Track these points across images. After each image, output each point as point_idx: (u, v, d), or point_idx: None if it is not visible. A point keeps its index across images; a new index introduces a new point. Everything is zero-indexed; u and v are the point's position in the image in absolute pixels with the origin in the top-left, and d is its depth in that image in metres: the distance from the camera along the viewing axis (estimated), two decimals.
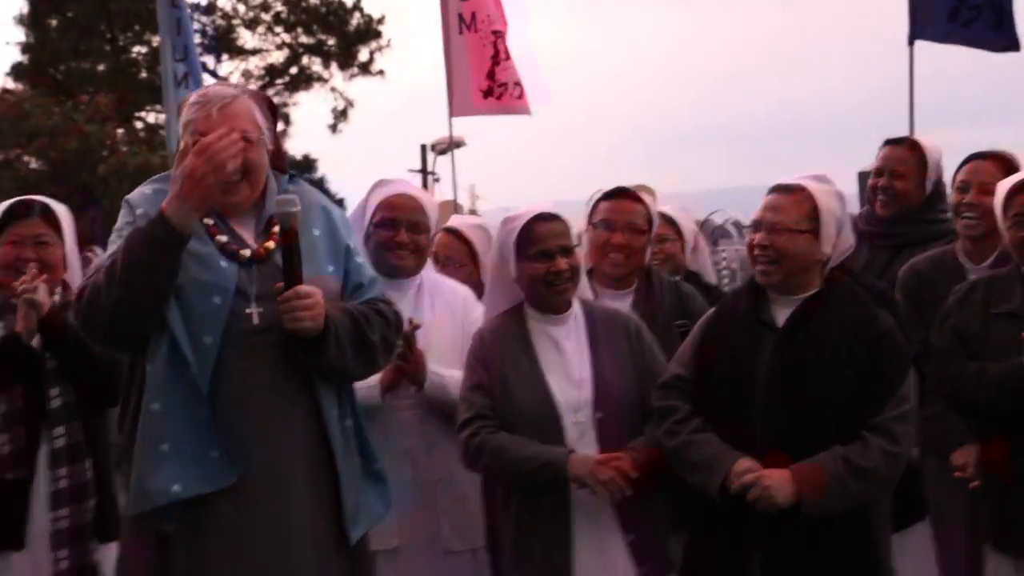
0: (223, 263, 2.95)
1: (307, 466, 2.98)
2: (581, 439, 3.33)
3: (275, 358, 2.95)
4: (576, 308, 3.49)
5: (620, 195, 4.06)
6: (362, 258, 3.19)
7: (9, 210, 3.77)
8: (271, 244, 3.00)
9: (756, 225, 3.26)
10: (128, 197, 3.07)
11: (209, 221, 2.99)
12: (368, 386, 3.49)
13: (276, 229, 2.99)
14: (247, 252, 2.98)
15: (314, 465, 2.99)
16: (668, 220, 4.71)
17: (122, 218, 3.01)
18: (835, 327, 3.19)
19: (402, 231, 3.72)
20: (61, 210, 3.84)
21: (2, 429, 3.56)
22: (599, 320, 3.49)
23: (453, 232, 4.36)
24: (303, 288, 2.87)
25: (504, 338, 3.46)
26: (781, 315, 3.25)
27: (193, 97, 3.04)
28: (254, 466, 2.91)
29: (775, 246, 3.21)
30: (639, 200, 4.09)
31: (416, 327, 3.54)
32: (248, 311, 2.93)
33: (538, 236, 3.40)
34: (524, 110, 8.56)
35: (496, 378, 3.40)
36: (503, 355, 3.43)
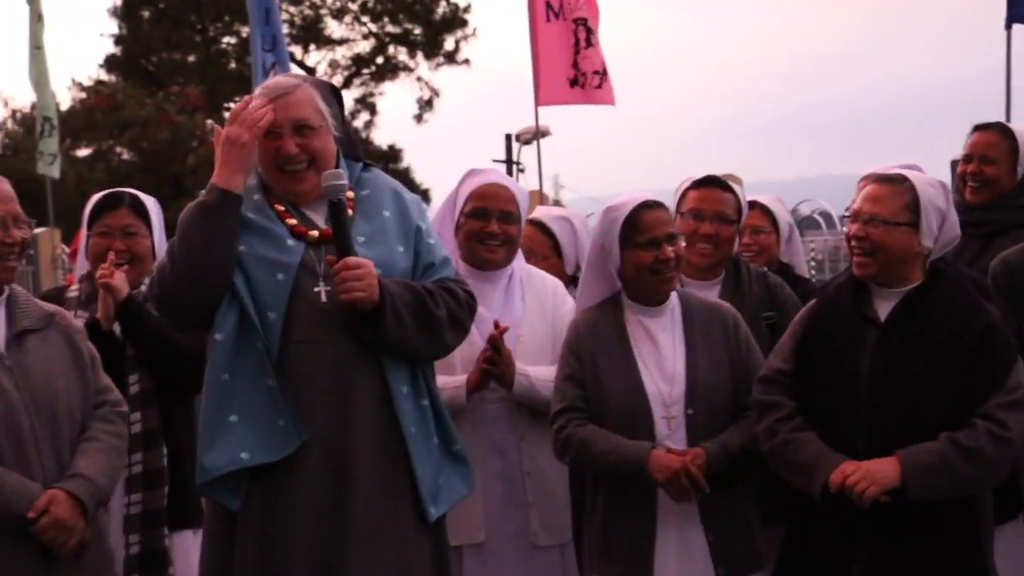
0: (290, 242, 3.04)
1: (376, 444, 3.00)
2: (672, 435, 3.30)
3: (344, 336, 2.99)
4: (673, 300, 3.45)
5: (709, 184, 4.00)
6: (434, 240, 3.21)
7: (99, 202, 3.84)
8: None
9: (854, 215, 3.19)
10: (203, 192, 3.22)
11: (280, 207, 3.09)
12: (455, 386, 3.51)
13: (349, 213, 3.07)
14: (315, 232, 3.05)
15: (384, 443, 3.01)
16: (765, 211, 4.58)
17: None
18: (939, 321, 3.10)
19: (493, 221, 3.68)
20: (150, 201, 3.88)
21: None
22: (696, 312, 3.44)
23: (536, 224, 4.29)
24: (352, 259, 2.93)
25: (599, 329, 3.43)
26: (883, 309, 3.16)
27: (257, 90, 3.16)
28: (321, 443, 2.97)
29: (871, 238, 3.13)
30: (729, 189, 4.02)
31: (503, 331, 3.51)
32: (316, 289, 3.00)
33: (645, 224, 3.36)
34: (605, 100, 8.51)
35: (589, 369, 3.38)
36: (597, 346, 3.40)
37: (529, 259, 4.09)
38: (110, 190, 3.94)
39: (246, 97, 3.04)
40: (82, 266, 3.90)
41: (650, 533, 3.29)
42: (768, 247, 4.54)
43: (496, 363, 3.52)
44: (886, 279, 3.18)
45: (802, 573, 3.19)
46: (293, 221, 3.07)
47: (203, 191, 3.14)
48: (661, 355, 3.38)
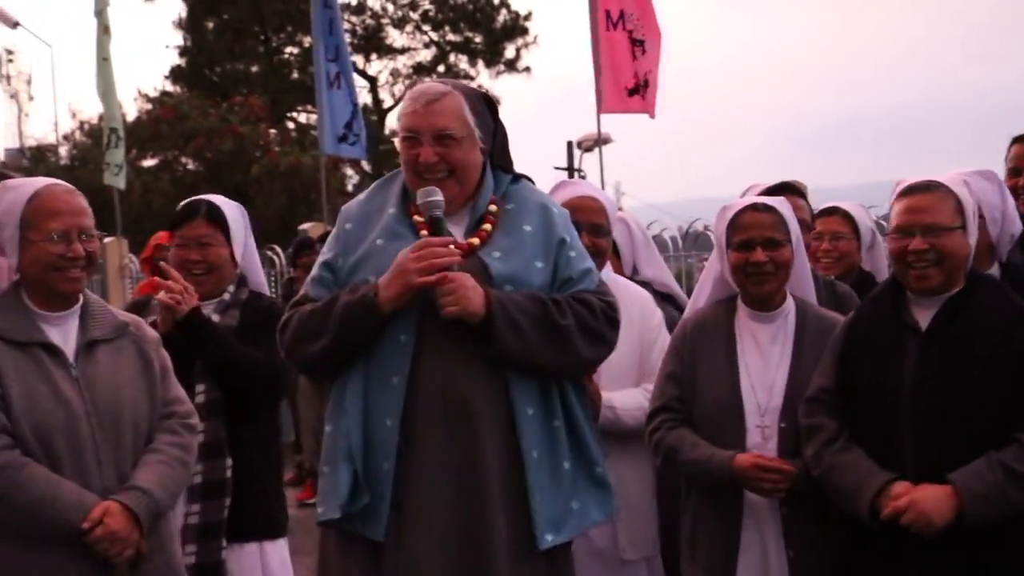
0: None
1: (499, 469, 2.96)
2: (764, 445, 3.27)
3: (472, 355, 2.96)
4: (790, 308, 3.41)
5: (783, 191, 3.95)
6: (576, 252, 3.14)
7: (179, 212, 3.88)
8: (476, 240, 3.05)
9: (905, 230, 3.10)
10: (344, 207, 3.22)
11: (419, 218, 3.06)
12: None
13: (487, 227, 3.08)
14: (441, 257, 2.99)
15: (507, 467, 2.97)
16: (846, 217, 4.59)
17: (336, 227, 3.18)
18: (982, 326, 3.03)
19: (584, 234, 3.59)
20: (231, 208, 3.88)
21: None
22: (810, 323, 3.39)
23: None
24: (445, 275, 2.91)
25: (706, 329, 3.43)
26: (923, 316, 3.09)
27: (408, 93, 3.15)
28: (451, 468, 2.94)
29: (936, 247, 3.06)
30: (801, 195, 3.98)
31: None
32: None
33: (742, 225, 3.36)
34: (644, 109, 8.53)
35: (688, 369, 3.40)
36: (701, 346, 3.41)
37: None
38: (191, 199, 3.95)
39: (448, 239, 2.97)
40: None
41: (734, 543, 3.30)
42: (848, 253, 4.52)
43: None
44: (943, 288, 3.12)
45: None
46: (425, 234, 3.04)
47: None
48: (765, 363, 3.35)
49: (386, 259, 2.98)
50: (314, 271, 3.14)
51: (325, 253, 3.14)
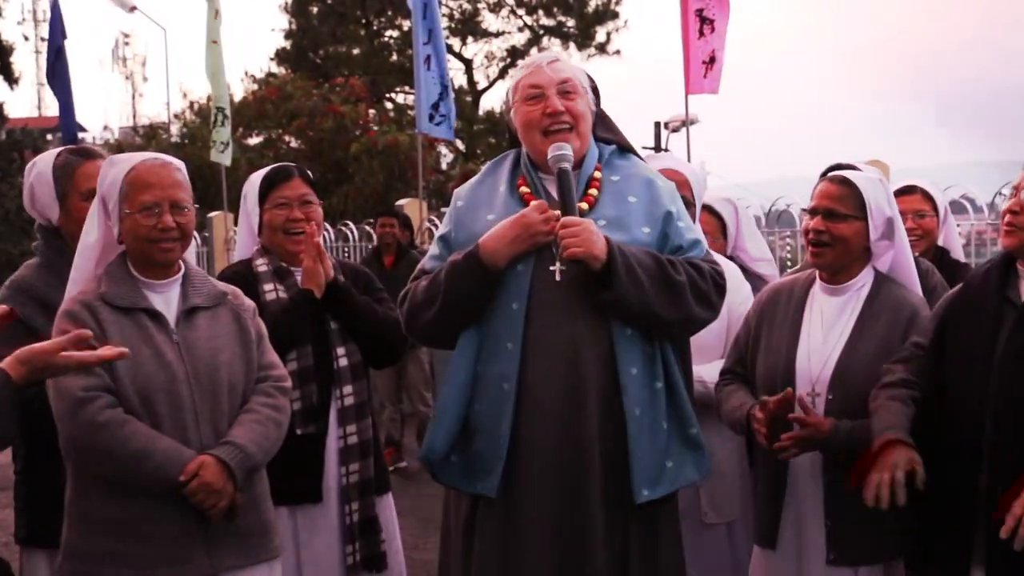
0: None
1: (604, 423, 3.02)
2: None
3: (579, 315, 3.02)
4: (864, 283, 3.38)
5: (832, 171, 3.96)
6: (684, 223, 3.17)
7: (269, 176, 3.82)
8: (584, 205, 3.09)
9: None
10: (457, 188, 3.27)
11: (526, 189, 3.13)
12: None
13: (593, 191, 3.12)
14: (556, 212, 3.03)
15: (610, 424, 3.03)
16: (925, 195, 4.53)
17: (450, 206, 3.25)
18: None
19: None
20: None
21: (295, 386, 3.59)
22: (881, 300, 3.34)
23: (705, 207, 4.29)
24: (569, 219, 2.95)
25: (780, 297, 3.47)
26: None
27: (520, 64, 3.19)
28: (558, 426, 3.01)
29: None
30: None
31: None
32: (552, 268, 3.03)
33: (814, 194, 3.41)
34: (707, 89, 8.67)
35: (752, 336, 3.46)
36: (770, 313, 3.45)
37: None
38: (274, 165, 3.93)
39: (575, 220, 2.97)
40: (247, 243, 3.87)
41: (777, 510, 3.38)
42: (931, 230, 4.49)
43: None
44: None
45: (927, 567, 3.13)
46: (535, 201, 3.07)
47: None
48: (826, 334, 3.33)
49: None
50: (432, 248, 3.20)
51: (441, 229, 3.19)
